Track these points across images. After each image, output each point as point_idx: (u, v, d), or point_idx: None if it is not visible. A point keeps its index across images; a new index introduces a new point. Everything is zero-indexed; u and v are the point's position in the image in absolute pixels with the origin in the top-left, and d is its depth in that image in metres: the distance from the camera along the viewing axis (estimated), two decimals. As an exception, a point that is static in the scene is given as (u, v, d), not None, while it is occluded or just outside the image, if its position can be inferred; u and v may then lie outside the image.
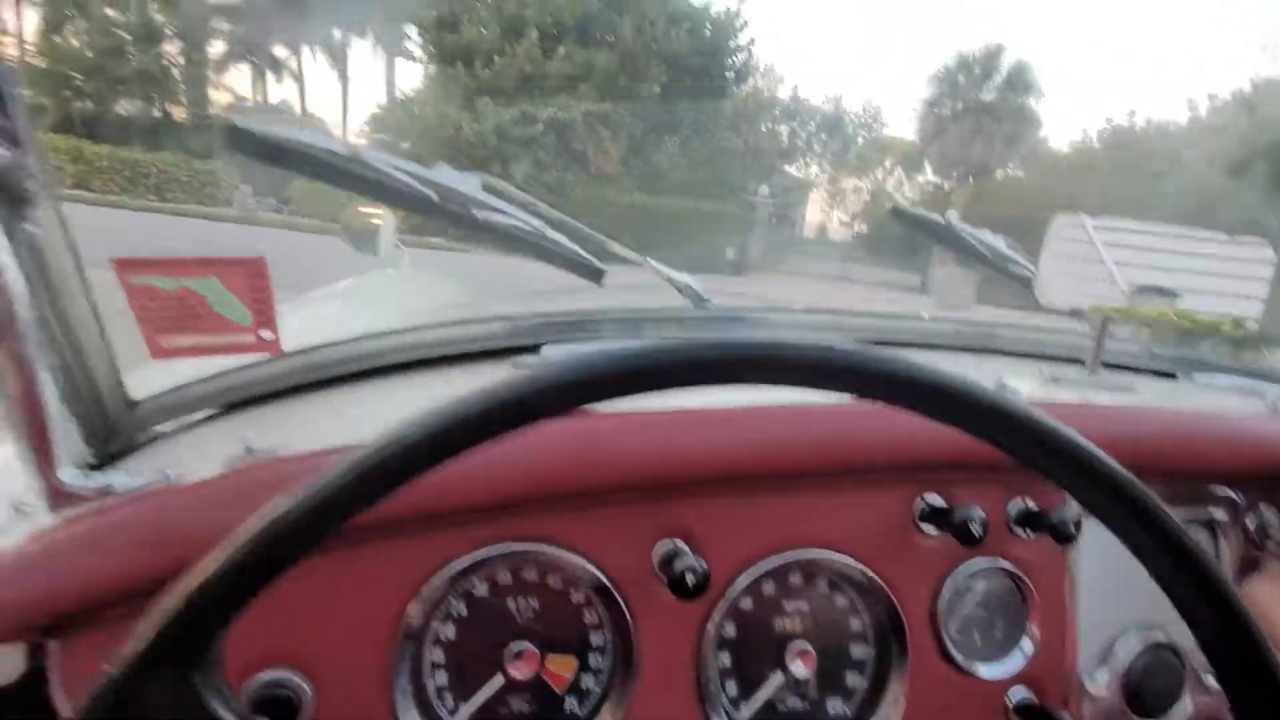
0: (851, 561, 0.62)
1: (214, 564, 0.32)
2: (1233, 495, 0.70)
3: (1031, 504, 0.65)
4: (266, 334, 0.72)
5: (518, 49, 16.25)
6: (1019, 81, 22.91)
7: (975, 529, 0.58)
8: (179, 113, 18.76)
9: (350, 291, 2.01)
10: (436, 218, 0.74)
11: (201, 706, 0.32)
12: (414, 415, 0.34)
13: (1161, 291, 0.82)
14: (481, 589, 0.58)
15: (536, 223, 0.79)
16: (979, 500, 0.63)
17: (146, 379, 0.80)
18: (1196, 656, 0.68)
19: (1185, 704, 0.68)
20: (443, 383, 0.79)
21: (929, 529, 0.64)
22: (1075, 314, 0.80)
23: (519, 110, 16.17)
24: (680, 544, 0.59)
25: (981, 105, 23.00)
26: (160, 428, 0.78)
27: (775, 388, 0.37)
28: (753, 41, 20.26)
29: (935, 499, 0.64)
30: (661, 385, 0.34)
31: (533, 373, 0.35)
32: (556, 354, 0.81)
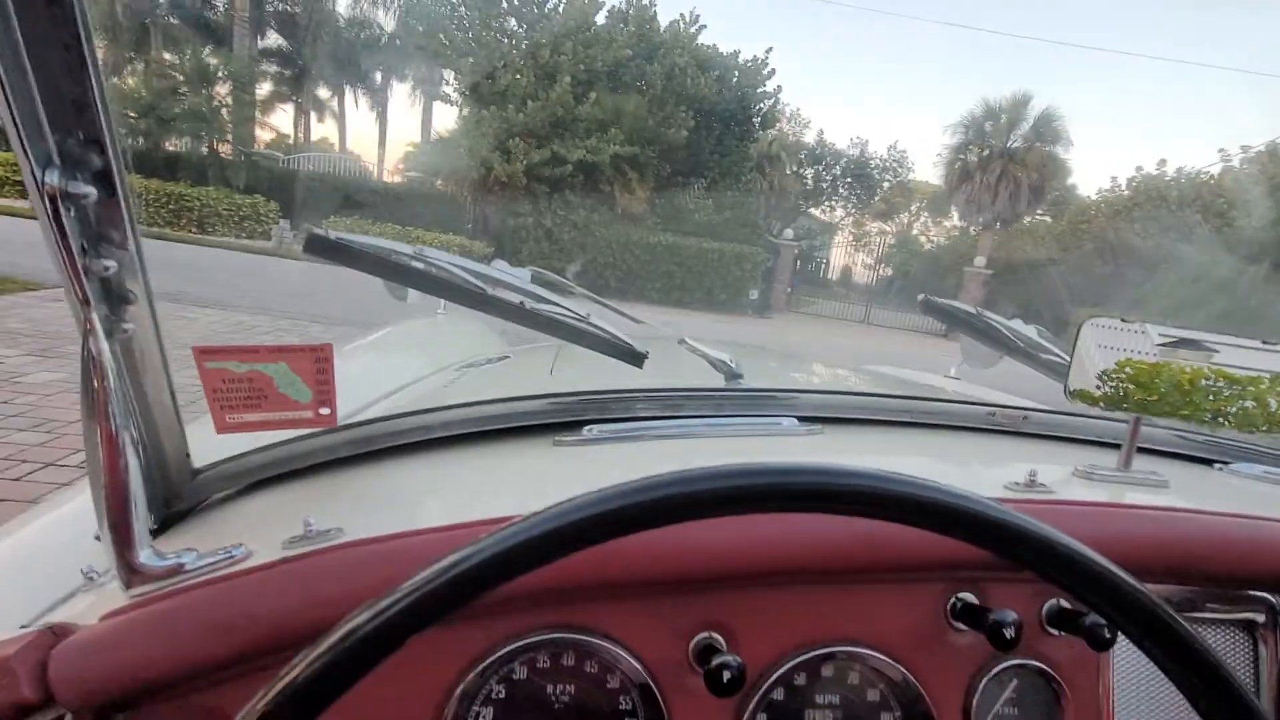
0: (884, 658, 0.63)
1: (292, 677, 0.35)
2: (1270, 598, 0.70)
3: (1066, 604, 0.66)
4: (324, 411, 0.77)
5: (550, 94, 16.74)
6: (1046, 130, 22.96)
7: (1009, 633, 0.59)
8: (224, 149, 19.56)
9: (386, 342, 2.08)
10: (490, 310, 0.79)
11: None
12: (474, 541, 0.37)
13: (1195, 345, 0.80)
14: (521, 673, 0.60)
15: (582, 311, 0.83)
16: (1013, 599, 0.64)
17: (204, 446, 0.85)
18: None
19: (1226, 815, 0.66)
20: (490, 457, 0.82)
21: (962, 627, 0.65)
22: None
23: (549, 151, 16.59)
24: (717, 638, 0.61)
25: (1008, 153, 23.05)
26: (217, 495, 0.82)
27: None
28: (780, 88, 20.65)
29: (969, 597, 0.65)
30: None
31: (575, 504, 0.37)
32: (599, 432, 0.84)
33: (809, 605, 0.63)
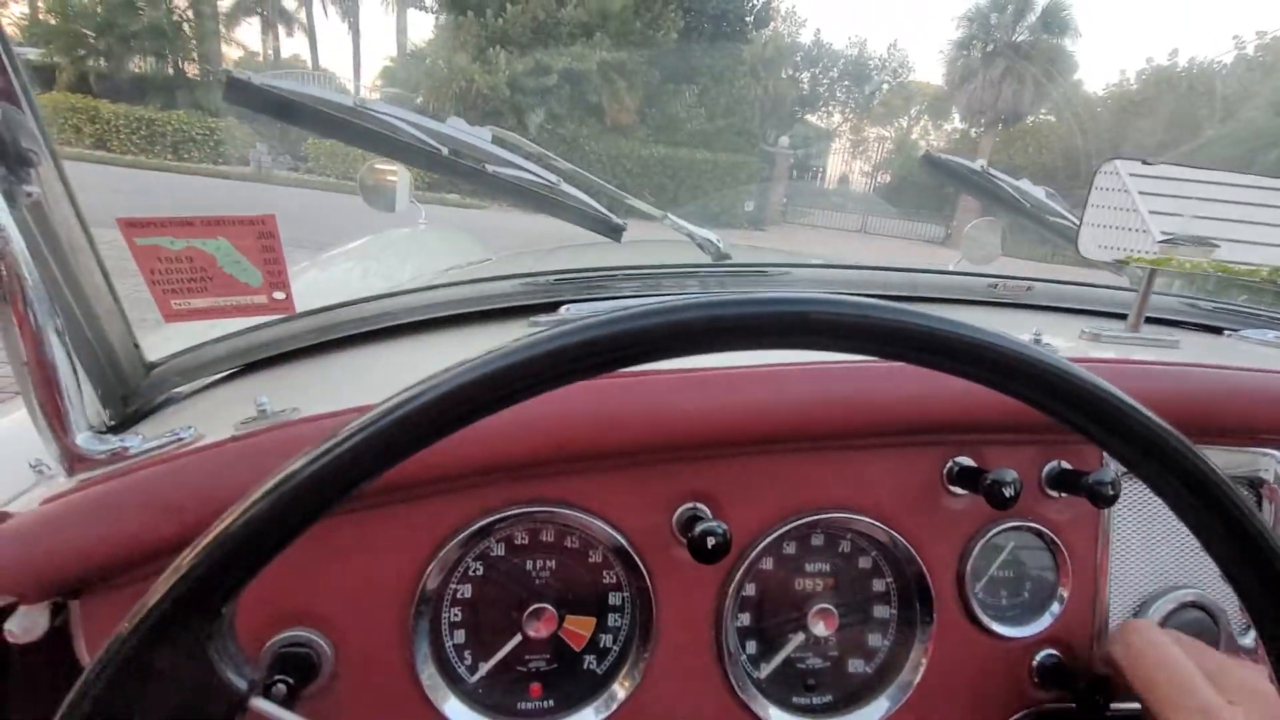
0: (876, 523, 0.61)
1: (225, 528, 0.31)
2: (1276, 454, 0.67)
3: (1067, 465, 0.63)
4: (279, 295, 0.71)
5: (530, -5, 15.77)
6: (1054, 21, 21.78)
7: (1008, 491, 0.56)
8: (191, 69, 18.58)
9: (365, 250, 2.00)
10: (446, 173, 0.71)
11: (211, 669, 0.32)
12: (424, 378, 0.33)
13: (1198, 241, 0.77)
14: (498, 550, 0.58)
15: (551, 177, 0.76)
16: (1013, 462, 0.61)
17: (165, 341, 0.80)
18: (1232, 616, 0.66)
19: (1218, 666, 0.66)
20: (459, 342, 0.77)
21: (959, 490, 0.62)
22: (1119, 268, 0.76)
23: (533, 60, 15.78)
24: (701, 507, 0.58)
25: (1013, 46, 21.98)
26: (179, 390, 0.78)
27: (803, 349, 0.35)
28: (774, -18, 19.43)
29: (967, 461, 0.62)
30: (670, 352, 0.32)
31: (540, 336, 0.33)
32: (576, 312, 0.79)
33: (798, 472, 0.60)
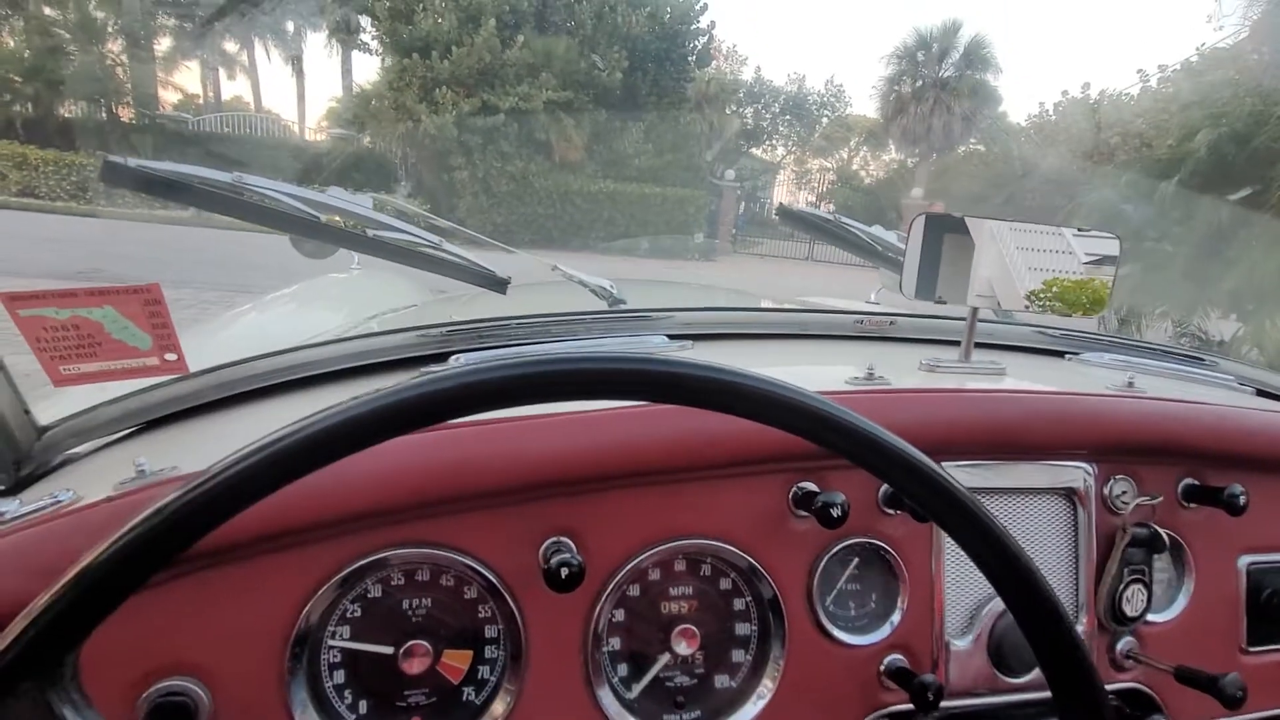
0: (731, 548, 0.67)
1: (61, 588, 0.35)
2: (1087, 467, 0.76)
3: (899, 485, 0.70)
4: (170, 356, 0.74)
5: (475, 38, 15.99)
6: (976, 58, 23.17)
7: (835, 511, 0.63)
8: (125, 114, 18.17)
9: (299, 295, 2.01)
10: (329, 239, 0.76)
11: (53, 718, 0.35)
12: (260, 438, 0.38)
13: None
14: (376, 591, 0.62)
15: (432, 238, 0.81)
16: (850, 484, 0.68)
17: (62, 403, 0.82)
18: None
19: (1048, 660, 0.74)
20: (349, 393, 0.81)
21: (803, 513, 0.69)
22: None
23: (479, 100, 15.95)
24: (565, 541, 0.63)
25: (940, 82, 23.24)
26: (75, 451, 0.79)
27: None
28: (713, 24, 20.25)
29: (809, 485, 0.69)
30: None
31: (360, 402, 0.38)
32: (465, 361, 0.84)
33: (657, 504, 0.66)
